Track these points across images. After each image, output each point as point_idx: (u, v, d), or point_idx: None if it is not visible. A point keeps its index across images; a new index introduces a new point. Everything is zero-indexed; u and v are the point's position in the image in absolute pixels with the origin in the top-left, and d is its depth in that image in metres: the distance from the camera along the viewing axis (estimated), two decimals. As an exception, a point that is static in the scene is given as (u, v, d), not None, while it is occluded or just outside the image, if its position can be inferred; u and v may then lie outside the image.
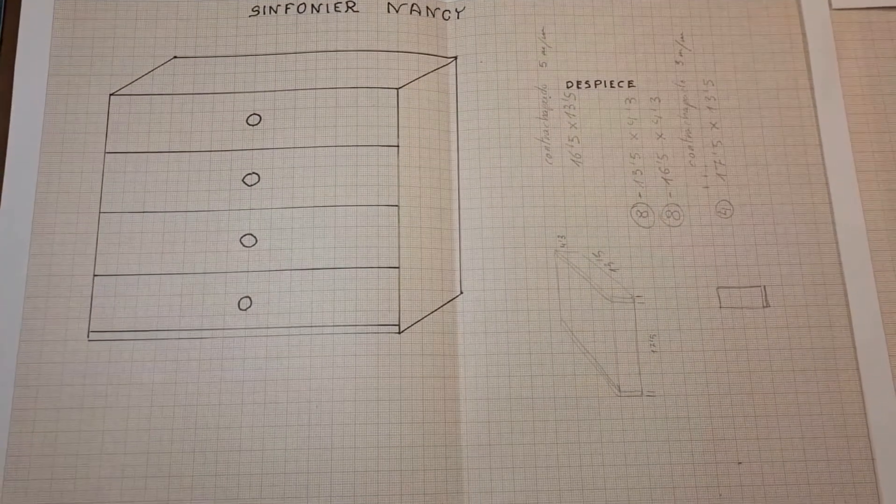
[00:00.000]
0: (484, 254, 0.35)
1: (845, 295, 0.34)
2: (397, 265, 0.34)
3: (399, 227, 0.34)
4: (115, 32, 0.37)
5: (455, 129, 0.36)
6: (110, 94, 0.36)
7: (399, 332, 0.33)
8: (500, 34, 0.37)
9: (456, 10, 0.37)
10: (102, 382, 0.33)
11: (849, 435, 0.33)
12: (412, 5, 0.37)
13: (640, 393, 0.33)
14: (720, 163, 0.36)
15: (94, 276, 0.34)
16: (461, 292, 0.34)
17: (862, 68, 0.37)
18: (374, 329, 0.33)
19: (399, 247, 0.34)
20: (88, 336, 0.33)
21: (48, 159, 0.35)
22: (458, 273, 0.34)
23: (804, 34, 0.38)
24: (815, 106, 0.37)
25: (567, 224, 0.35)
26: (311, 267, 0.34)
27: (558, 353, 0.34)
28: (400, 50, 0.36)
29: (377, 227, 0.34)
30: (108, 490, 0.32)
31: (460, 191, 0.35)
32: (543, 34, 0.37)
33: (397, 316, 0.33)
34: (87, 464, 0.32)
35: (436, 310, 0.34)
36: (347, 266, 0.34)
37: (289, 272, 0.34)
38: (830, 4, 0.38)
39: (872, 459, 0.33)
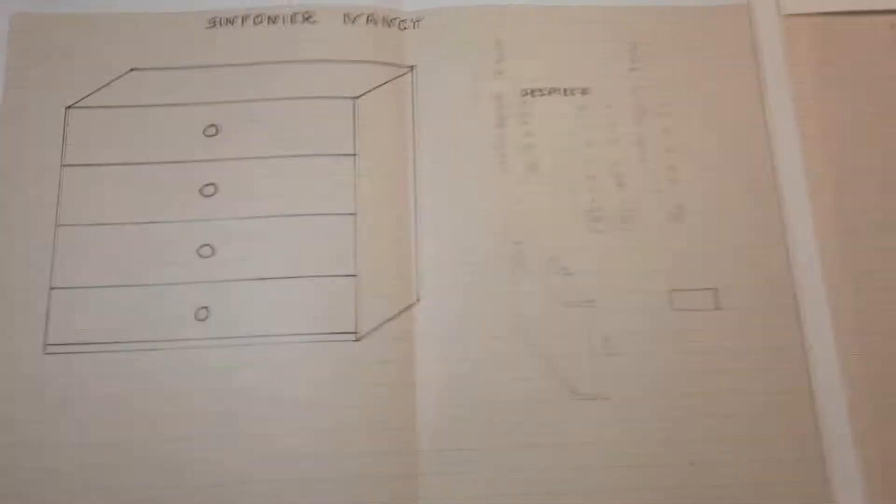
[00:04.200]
0: (441, 261, 0.36)
1: (794, 296, 0.36)
2: (354, 273, 0.36)
3: (356, 235, 0.36)
4: (71, 45, 0.38)
5: (413, 138, 0.38)
6: (67, 107, 0.37)
7: (356, 340, 0.35)
8: (457, 44, 0.39)
9: (413, 20, 0.39)
10: (59, 395, 0.34)
11: (799, 434, 0.35)
12: (369, 16, 0.39)
13: (594, 396, 0.35)
14: (673, 168, 0.38)
15: (51, 288, 0.35)
16: (418, 299, 0.36)
17: (813, 73, 0.39)
18: (332, 337, 0.35)
19: (356, 255, 0.36)
20: (45, 349, 0.34)
21: (4, 172, 0.36)
22: (415, 280, 0.36)
23: (755, 40, 0.40)
24: (765, 111, 0.39)
25: (523, 230, 0.37)
26: (268, 276, 0.35)
27: (514, 357, 0.35)
28: (357, 60, 0.38)
29: (334, 236, 0.36)
30: None
31: (418, 199, 0.37)
32: (499, 43, 0.39)
33: (354, 324, 0.35)
34: (43, 478, 0.33)
35: (393, 317, 0.35)
36: (304, 275, 0.35)
37: (246, 282, 0.35)
38: (780, 10, 0.40)
39: (823, 458, 0.34)
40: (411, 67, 0.39)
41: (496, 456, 0.34)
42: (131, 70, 0.38)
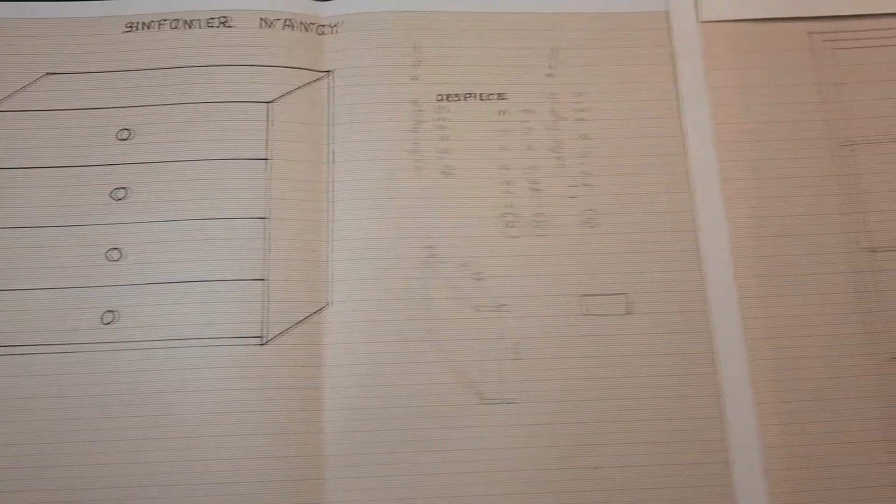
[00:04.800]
0: (353, 265, 0.37)
1: (706, 302, 0.37)
2: (263, 277, 0.36)
3: (267, 239, 0.36)
4: (-13, 49, 0.38)
5: (328, 142, 0.38)
6: (-21, 111, 0.38)
7: (262, 344, 0.35)
8: (375, 48, 0.39)
9: (332, 25, 0.40)
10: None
11: (705, 439, 0.35)
12: (286, 20, 0.39)
13: (502, 400, 0.35)
14: (588, 173, 0.38)
15: (-46, 291, 0.35)
16: (329, 303, 0.36)
17: (730, 79, 0.40)
18: (237, 341, 0.35)
19: (266, 259, 0.36)
20: (-52, 352, 0.34)
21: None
22: (326, 284, 0.36)
23: (673, 47, 0.40)
24: (681, 117, 0.39)
25: (436, 235, 0.37)
26: (176, 280, 0.36)
27: (423, 362, 0.36)
28: (273, 65, 0.38)
29: (244, 240, 0.36)
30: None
31: (331, 203, 0.37)
32: (417, 48, 0.39)
33: (261, 328, 0.35)
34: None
35: (301, 321, 0.36)
36: (212, 279, 0.36)
37: (154, 286, 0.36)
38: (698, 17, 0.40)
39: (728, 464, 0.35)
40: (329, 72, 0.39)
41: (403, 460, 0.35)
42: (46, 74, 0.38)
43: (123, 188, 0.37)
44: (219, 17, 0.39)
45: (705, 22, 0.41)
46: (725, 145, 0.39)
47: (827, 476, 0.35)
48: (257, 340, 0.35)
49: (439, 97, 0.39)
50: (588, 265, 0.37)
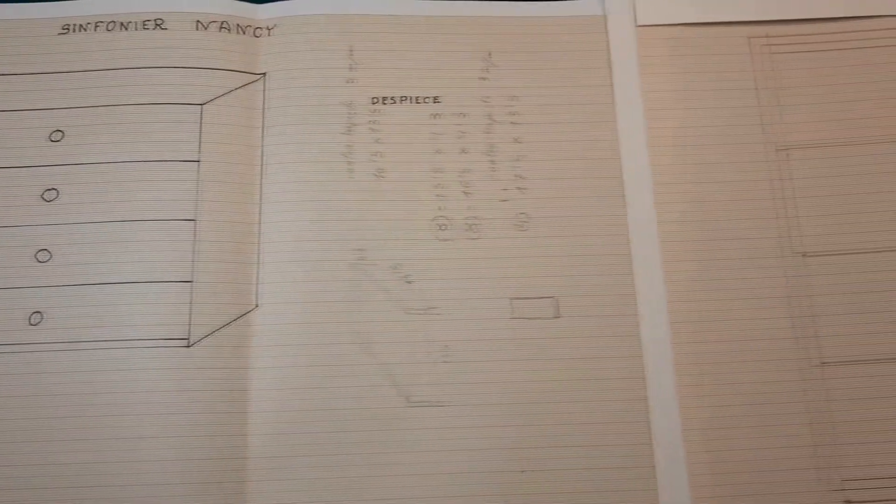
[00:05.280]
0: (283, 267, 0.37)
1: (635, 306, 0.37)
2: (190, 279, 0.36)
3: (195, 241, 0.36)
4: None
5: (261, 145, 0.38)
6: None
7: (188, 346, 0.35)
8: (310, 51, 0.39)
9: (267, 27, 0.40)
10: None
11: (631, 444, 0.35)
12: (222, 23, 0.39)
13: (429, 403, 0.35)
14: (521, 177, 0.38)
15: None
16: (257, 305, 0.36)
17: (666, 83, 0.40)
18: (163, 343, 0.35)
19: (194, 261, 0.36)
20: None
21: None
22: (255, 286, 0.36)
23: (609, 51, 0.40)
24: (616, 120, 0.39)
25: (366, 238, 0.37)
26: (104, 282, 0.36)
27: (351, 364, 0.36)
28: (206, 67, 0.39)
29: (172, 242, 0.36)
30: None
31: (262, 205, 0.37)
32: (352, 51, 0.39)
33: (187, 330, 0.35)
34: None
35: (228, 323, 0.36)
36: (140, 280, 0.36)
37: (81, 287, 0.36)
38: (636, 21, 0.40)
39: (653, 468, 0.35)
40: (263, 74, 0.39)
41: (327, 463, 0.35)
42: (-19, 75, 0.39)
43: (54, 189, 0.37)
44: (154, 20, 0.39)
45: (642, 26, 0.41)
46: (659, 149, 0.39)
47: (752, 481, 0.35)
48: (183, 342, 0.35)
49: (374, 100, 0.39)
50: (519, 268, 0.37)
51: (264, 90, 0.39)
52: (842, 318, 0.37)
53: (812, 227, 0.38)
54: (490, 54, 0.40)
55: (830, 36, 0.41)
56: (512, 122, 0.39)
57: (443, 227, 0.38)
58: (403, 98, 0.39)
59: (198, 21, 0.39)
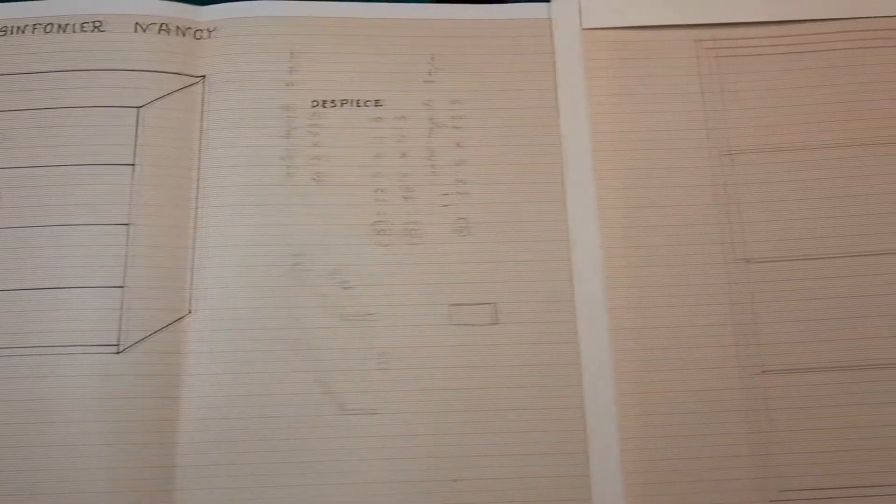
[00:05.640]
0: (218, 272, 0.36)
1: (575, 313, 0.36)
2: (122, 284, 0.35)
3: (128, 246, 0.36)
4: None
5: (199, 148, 0.38)
6: None
7: (118, 353, 0.35)
8: (250, 53, 0.39)
9: (209, 29, 0.39)
10: None
11: (568, 452, 0.35)
12: (161, 25, 0.39)
13: (363, 411, 0.35)
14: (462, 181, 0.38)
15: None
16: (190, 311, 0.36)
17: (611, 87, 0.40)
18: (93, 349, 0.35)
19: (126, 266, 0.36)
20: None
21: None
22: (189, 292, 0.36)
23: (555, 54, 0.40)
24: (560, 125, 0.39)
25: (304, 242, 0.37)
26: (35, 287, 0.35)
27: (284, 372, 0.35)
28: (145, 69, 0.38)
29: (105, 247, 0.36)
30: None
31: (199, 210, 0.37)
32: (293, 54, 0.39)
33: (117, 336, 0.35)
34: None
35: (160, 329, 0.35)
36: (71, 286, 0.35)
37: (12, 292, 0.35)
38: (581, 24, 0.40)
39: (588, 477, 0.34)
40: (203, 77, 0.39)
41: (259, 472, 0.34)
42: (-84, 78, 0.38)
43: (-12, 193, 0.37)
44: (93, 22, 0.39)
45: (588, 29, 0.40)
46: (603, 154, 0.39)
47: (689, 491, 0.35)
48: (113, 349, 0.35)
49: (314, 103, 0.39)
50: (458, 274, 0.37)
51: (204, 93, 0.39)
52: (783, 326, 0.36)
53: (756, 233, 0.38)
54: (434, 57, 0.40)
55: (777, 39, 0.40)
56: (454, 126, 0.39)
57: (382, 233, 0.37)
58: (344, 101, 0.39)
59: (137, 23, 0.39)
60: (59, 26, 0.39)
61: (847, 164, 0.38)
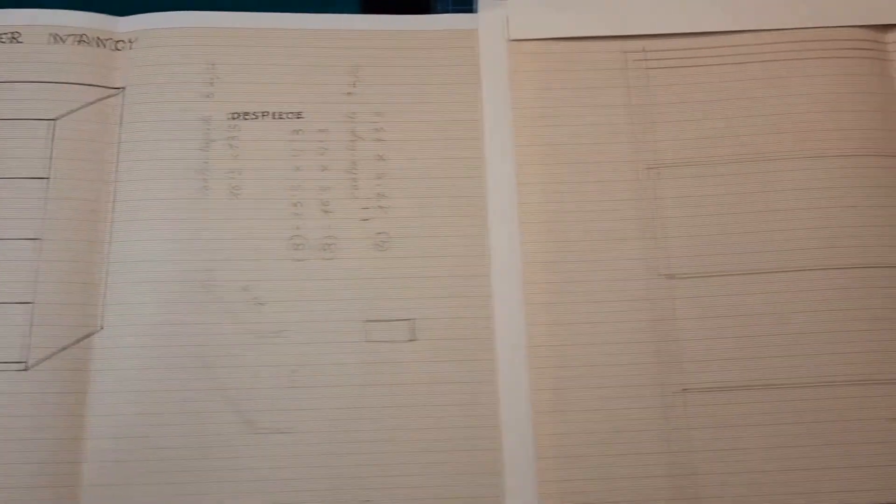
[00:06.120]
0: (130, 288, 0.36)
1: (493, 329, 0.36)
2: (31, 300, 0.35)
3: (38, 261, 0.36)
4: None
5: (115, 161, 0.37)
6: None
7: (25, 370, 0.34)
8: (169, 65, 0.39)
9: (128, 40, 0.39)
10: None
11: (483, 472, 0.34)
12: (80, 36, 0.39)
13: (274, 430, 0.35)
14: (383, 195, 0.38)
15: None
16: (101, 328, 0.35)
17: (537, 100, 0.39)
18: (-2, 367, 0.34)
19: (35, 281, 0.35)
20: None
21: None
22: (100, 308, 0.36)
23: (480, 66, 0.39)
24: (483, 138, 0.38)
25: (218, 258, 0.36)
26: (-60, 303, 0.35)
27: (194, 390, 0.35)
28: (61, 81, 0.38)
29: (13, 262, 0.36)
30: None
31: (113, 224, 0.37)
32: (212, 65, 0.39)
33: (25, 352, 0.34)
34: None
35: (69, 346, 0.35)
36: (-24, 302, 0.35)
37: (-84, 308, 0.35)
38: (508, 35, 0.40)
39: (503, 498, 0.34)
40: (121, 89, 0.38)
41: (165, 492, 0.34)
42: None
43: None
44: (10, 33, 0.39)
45: (515, 41, 0.40)
46: (526, 168, 0.38)
47: (605, 512, 0.34)
48: (20, 366, 0.35)
49: (233, 115, 0.38)
50: (375, 290, 0.37)
51: (122, 105, 0.38)
52: (705, 343, 0.36)
53: (679, 249, 0.37)
54: (357, 69, 0.39)
55: (707, 51, 0.40)
56: (376, 139, 0.39)
57: (298, 247, 0.37)
58: (264, 113, 0.39)
59: (55, 34, 0.39)
60: (-24, 38, 0.39)
61: (771, 178, 0.38)
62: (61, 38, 0.39)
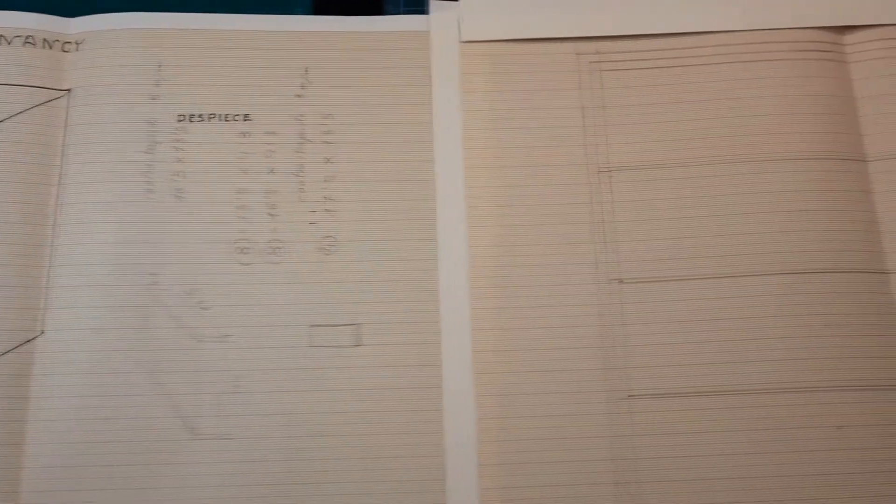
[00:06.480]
0: (73, 292, 0.36)
1: (440, 334, 0.36)
2: (-30, 305, 0.35)
3: (-21, 265, 0.35)
4: None
5: (60, 164, 0.37)
6: None
7: (-37, 375, 0.34)
8: (116, 66, 0.39)
9: (77, 42, 0.39)
10: None
11: (425, 478, 0.34)
12: (27, 37, 0.38)
13: (216, 436, 0.34)
14: (330, 198, 0.37)
15: None
16: (42, 332, 0.35)
17: (489, 102, 0.39)
18: (-65, 372, 0.34)
19: (-25, 286, 0.35)
20: None
21: None
22: (41, 312, 0.35)
23: (432, 68, 0.39)
24: (433, 141, 0.38)
25: (162, 261, 0.36)
26: None
27: (135, 395, 0.35)
28: (7, 83, 0.38)
29: (-46, 266, 0.35)
30: None
31: (56, 227, 0.36)
32: (160, 67, 0.38)
33: (-37, 358, 0.34)
34: None
35: (8, 351, 0.35)
36: (-84, 306, 0.35)
37: None
38: (460, 37, 0.39)
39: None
40: (67, 91, 0.38)
41: (105, 499, 0.34)
42: None
43: None
44: (-44, 35, 0.38)
45: (467, 42, 0.40)
46: (476, 171, 0.38)
47: (549, 520, 0.34)
48: (-42, 371, 0.34)
49: (180, 117, 0.38)
50: (321, 294, 0.36)
51: (68, 107, 0.38)
52: (652, 349, 0.36)
53: (630, 253, 0.37)
54: (307, 70, 0.39)
55: (661, 53, 0.40)
56: (325, 142, 0.38)
57: (243, 251, 0.37)
58: (212, 115, 0.38)
59: (1, 36, 0.38)
60: (-79, 39, 0.38)
61: (724, 182, 0.37)
62: (7, 40, 0.38)
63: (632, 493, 0.34)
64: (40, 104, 0.38)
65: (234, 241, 0.37)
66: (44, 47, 0.39)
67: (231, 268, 0.36)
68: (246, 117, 0.38)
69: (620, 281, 0.37)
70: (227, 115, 0.38)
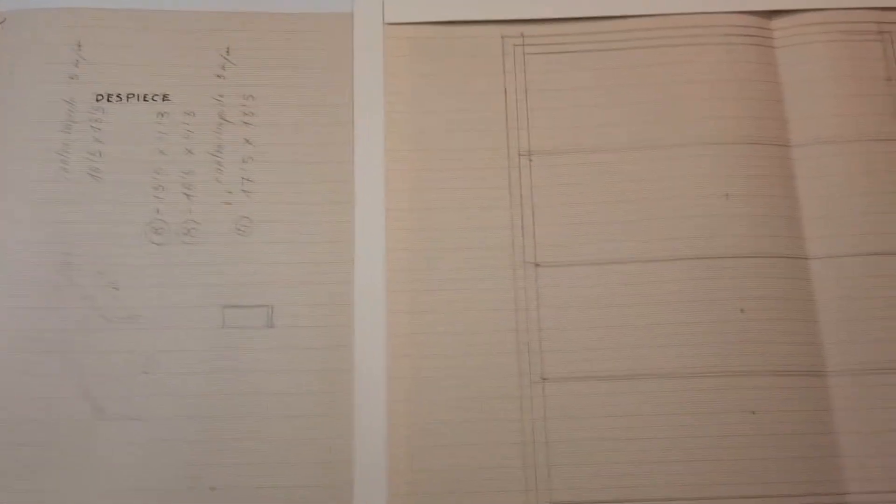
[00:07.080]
0: (-14, 272, 0.35)
1: (353, 317, 0.35)
2: None
3: None
4: None
5: (-24, 143, 0.37)
6: None
7: None
8: (34, 45, 0.39)
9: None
10: None
11: (333, 460, 0.34)
12: (-55, 16, 0.38)
13: (124, 417, 0.34)
14: (248, 179, 0.37)
15: None
16: (-49, 311, 0.35)
17: (412, 85, 0.39)
18: None
19: None
20: None
21: None
22: (-50, 291, 0.35)
23: (354, 50, 0.39)
24: (354, 123, 0.38)
25: (75, 241, 0.36)
26: None
27: (44, 375, 0.35)
28: (-77, 61, 0.37)
29: None
30: None
31: (-31, 206, 0.36)
32: (79, 46, 0.38)
33: None
34: None
35: (-84, 329, 0.34)
36: None
37: None
38: (384, 19, 0.39)
39: (352, 487, 0.33)
40: (-13, 70, 0.38)
41: (9, 477, 0.33)
42: None
43: None
44: None
45: (391, 24, 0.40)
46: (396, 153, 0.38)
47: (457, 502, 0.34)
48: None
49: (98, 97, 0.38)
50: (235, 275, 0.36)
51: (-15, 86, 0.38)
52: (567, 333, 0.36)
53: (547, 237, 0.37)
54: (228, 51, 0.39)
55: (588, 37, 0.39)
56: (245, 123, 0.38)
57: (157, 231, 0.37)
58: (130, 95, 0.38)
59: (-82, 14, 0.38)
60: None
61: (645, 166, 0.37)
62: (-75, 18, 0.38)
63: (540, 477, 0.34)
64: (-43, 83, 0.38)
65: (148, 222, 0.37)
66: (-38, 26, 0.39)
67: (144, 248, 0.36)
68: (165, 97, 0.38)
69: (536, 265, 0.37)
70: (145, 95, 0.38)
